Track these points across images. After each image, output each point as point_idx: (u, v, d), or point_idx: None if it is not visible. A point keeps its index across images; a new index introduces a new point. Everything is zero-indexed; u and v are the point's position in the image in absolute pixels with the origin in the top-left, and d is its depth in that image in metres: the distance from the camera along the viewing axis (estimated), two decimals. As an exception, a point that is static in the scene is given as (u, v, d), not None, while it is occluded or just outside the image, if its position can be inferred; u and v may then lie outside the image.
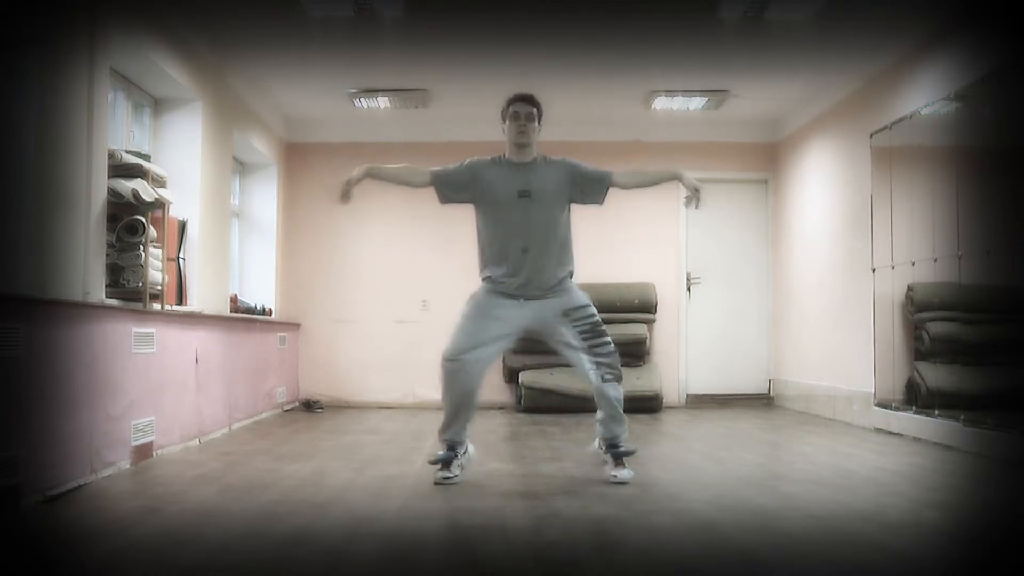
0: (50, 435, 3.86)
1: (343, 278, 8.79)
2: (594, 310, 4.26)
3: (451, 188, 4.30)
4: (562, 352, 4.30)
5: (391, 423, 7.05)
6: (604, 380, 4.18)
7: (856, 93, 7.12)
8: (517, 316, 4.22)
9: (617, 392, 4.21)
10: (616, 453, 4.25)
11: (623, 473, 4.18)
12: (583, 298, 4.27)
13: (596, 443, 4.38)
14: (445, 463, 4.21)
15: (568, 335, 4.21)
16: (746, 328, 8.95)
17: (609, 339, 4.23)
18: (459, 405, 4.22)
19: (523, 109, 4.22)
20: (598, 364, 4.18)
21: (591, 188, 4.29)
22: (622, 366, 4.27)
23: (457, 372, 4.17)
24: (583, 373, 4.25)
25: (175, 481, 4.33)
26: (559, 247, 4.24)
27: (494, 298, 4.24)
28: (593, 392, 4.25)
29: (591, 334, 4.20)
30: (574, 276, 4.34)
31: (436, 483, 4.14)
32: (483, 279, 4.32)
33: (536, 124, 4.25)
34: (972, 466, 4.88)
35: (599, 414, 4.26)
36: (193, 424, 5.65)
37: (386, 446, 5.61)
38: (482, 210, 4.28)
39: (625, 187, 4.39)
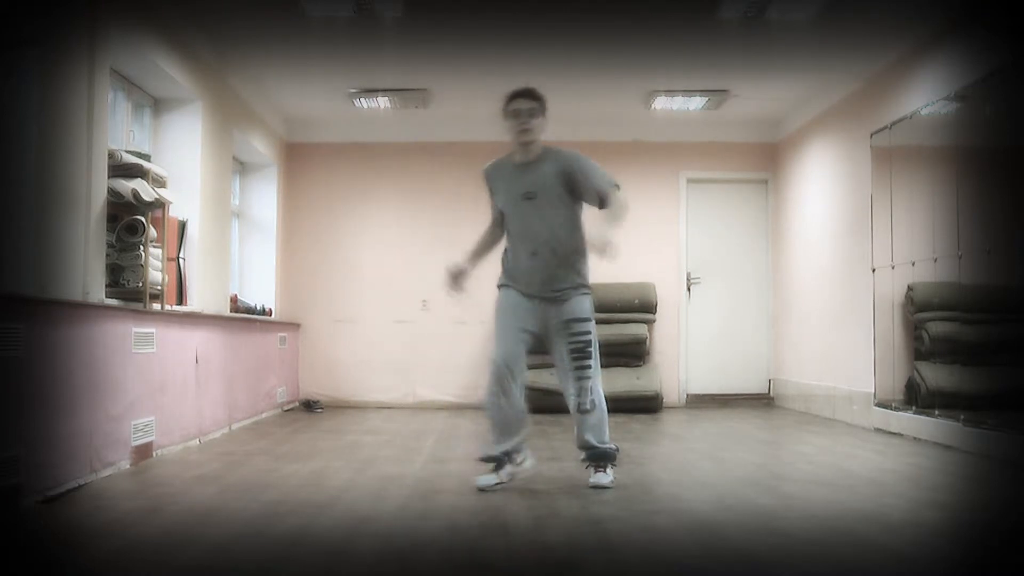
0: (50, 435, 3.86)
1: (343, 278, 8.79)
2: (591, 328, 4.08)
3: (495, 209, 4.24)
4: (556, 365, 4.18)
5: (391, 423, 7.05)
6: (580, 411, 4.06)
7: (856, 93, 7.12)
8: (531, 315, 4.08)
9: (593, 419, 4.08)
10: (594, 454, 4.10)
11: (601, 477, 4.06)
12: (585, 312, 4.08)
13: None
14: (498, 463, 4.04)
15: (561, 348, 4.08)
16: (746, 328, 8.95)
17: (591, 365, 4.04)
18: (507, 419, 4.05)
19: (524, 105, 4.01)
20: (579, 391, 4.05)
21: (584, 190, 4.05)
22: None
23: (505, 378, 3.98)
24: (566, 394, 4.14)
25: (175, 481, 4.33)
26: (571, 250, 4.07)
27: (513, 296, 4.12)
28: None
29: (579, 354, 4.03)
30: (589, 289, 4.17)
31: (480, 488, 3.97)
32: (500, 276, 4.20)
33: (539, 119, 4.03)
34: (972, 466, 4.88)
35: (577, 430, 4.13)
36: (193, 424, 5.65)
37: (386, 446, 5.61)
38: (503, 213, 4.21)
39: (609, 209, 4.02)
